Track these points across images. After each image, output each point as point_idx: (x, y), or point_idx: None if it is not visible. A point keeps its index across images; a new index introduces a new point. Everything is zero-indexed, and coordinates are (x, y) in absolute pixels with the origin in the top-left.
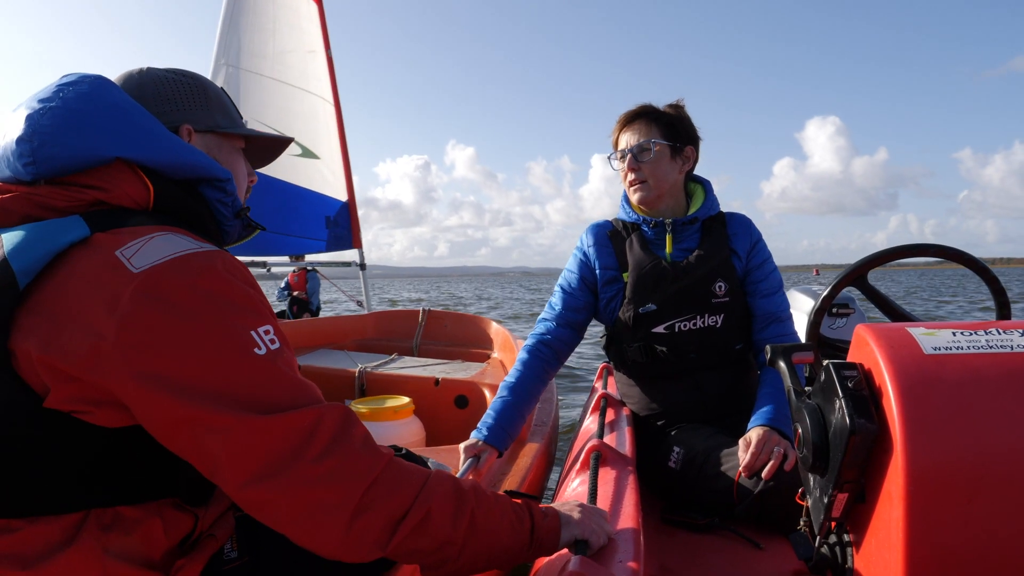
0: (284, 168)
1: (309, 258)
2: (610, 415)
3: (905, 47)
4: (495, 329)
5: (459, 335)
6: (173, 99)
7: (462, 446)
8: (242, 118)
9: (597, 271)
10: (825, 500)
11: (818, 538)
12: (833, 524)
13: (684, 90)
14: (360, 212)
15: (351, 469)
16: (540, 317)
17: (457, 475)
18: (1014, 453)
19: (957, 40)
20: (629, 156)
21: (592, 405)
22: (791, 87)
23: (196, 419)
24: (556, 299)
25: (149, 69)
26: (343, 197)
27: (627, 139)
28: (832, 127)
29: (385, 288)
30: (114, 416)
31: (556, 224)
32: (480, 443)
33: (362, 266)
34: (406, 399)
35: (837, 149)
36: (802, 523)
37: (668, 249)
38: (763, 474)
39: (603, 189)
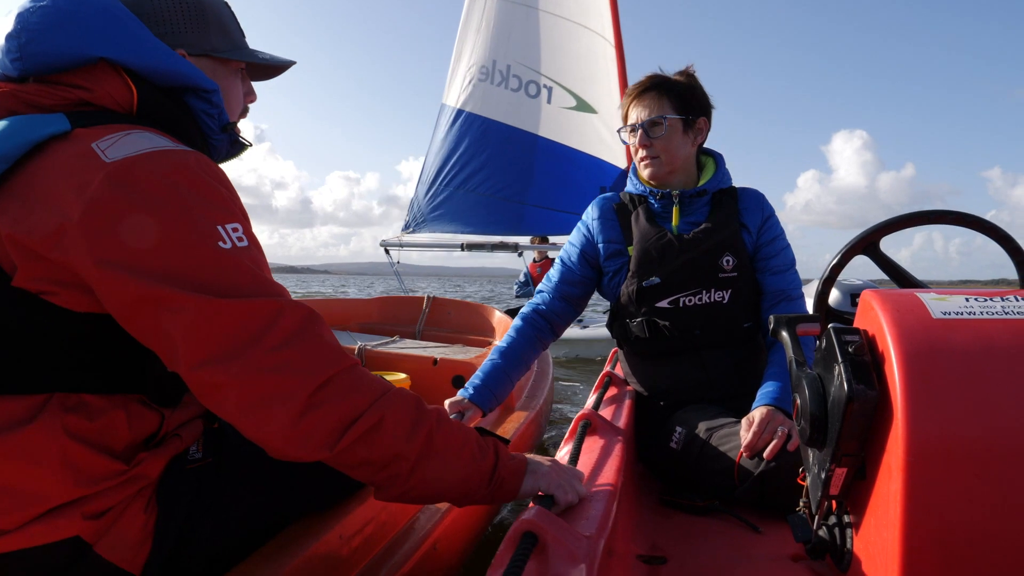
0: (551, 124)
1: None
2: (611, 392)
3: (936, 63)
4: (498, 317)
5: (462, 322)
6: (168, 20)
7: (447, 402)
8: (243, 35)
9: (600, 245)
10: (823, 476)
11: (816, 519)
12: (834, 504)
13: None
14: (381, 210)
15: (308, 363)
16: (537, 288)
17: None
18: None
19: (989, 58)
20: (640, 131)
21: (596, 384)
22: (819, 99)
23: (154, 298)
24: (554, 271)
25: None
26: (622, 163)
27: (638, 113)
28: (859, 141)
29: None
30: (80, 299)
31: None
32: (465, 401)
33: None
34: (402, 375)
35: (863, 163)
36: (801, 504)
37: (675, 222)
38: (764, 454)
39: None
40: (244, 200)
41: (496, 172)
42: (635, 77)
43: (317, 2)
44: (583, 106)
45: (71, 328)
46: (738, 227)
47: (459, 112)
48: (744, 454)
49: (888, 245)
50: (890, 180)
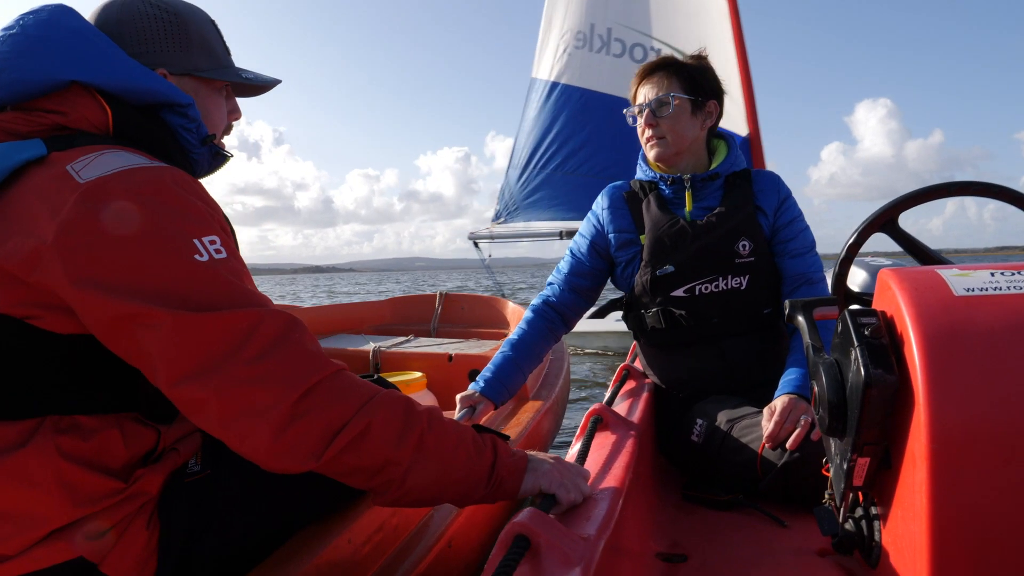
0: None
1: None
2: (629, 385)
3: (959, 26)
4: (512, 309)
5: (476, 317)
6: (150, 40)
7: (459, 396)
8: (228, 53)
9: (611, 235)
10: (845, 467)
11: (842, 512)
12: (859, 495)
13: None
14: (401, 206)
15: (289, 373)
16: (548, 280)
17: None
18: None
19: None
20: (647, 111)
21: (614, 378)
22: (838, 70)
23: (130, 316)
24: (564, 263)
25: (131, 2)
26: (743, 130)
27: (645, 92)
28: (884, 110)
29: (428, 280)
30: (65, 322)
31: None
32: (476, 394)
33: None
34: (418, 374)
35: (889, 132)
36: (827, 496)
37: (688, 207)
38: (787, 444)
39: None
40: (267, 203)
41: (600, 149)
42: (752, 32)
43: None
44: None
45: (59, 351)
46: (753, 210)
47: (553, 85)
48: (767, 445)
49: (919, 215)
50: (918, 148)
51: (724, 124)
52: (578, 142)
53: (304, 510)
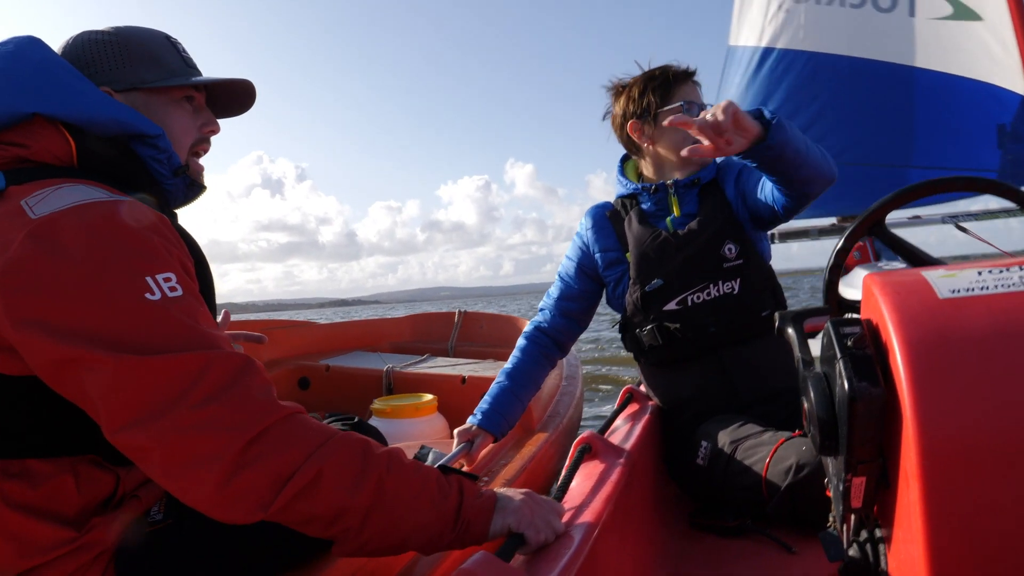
0: (917, 45)
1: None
2: (631, 408)
3: None
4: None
5: (494, 336)
6: (93, 62)
7: (456, 431)
8: (188, 65)
9: (597, 255)
10: (841, 488)
11: (846, 536)
12: (862, 517)
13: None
14: (424, 236)
15: (235, 419)
16: (540, 305)
17: (444, 459)
18: None
19: None
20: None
21: (617, 401)
22: None
23: (74, 360)
24: (554, 287)
25: (82, 33)
26: (1021, 88)
27: (689, 93)
28: None
29: (453, 309)
30: (14, 363)
31: None
32: (474, 427)
33: None
34: (429, 396)
35: None
36: (831, 519)
37: (676, 212)
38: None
39: None
40: (291, 239)
41: (838, 126)
42: None
43: (342, 30)
44: (963, 12)
45: (8, 392)
46: (730, 210)
47: (766, 52)
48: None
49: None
50: None
51: (998, 80)
52: (805, 119)
53: (274, 562)
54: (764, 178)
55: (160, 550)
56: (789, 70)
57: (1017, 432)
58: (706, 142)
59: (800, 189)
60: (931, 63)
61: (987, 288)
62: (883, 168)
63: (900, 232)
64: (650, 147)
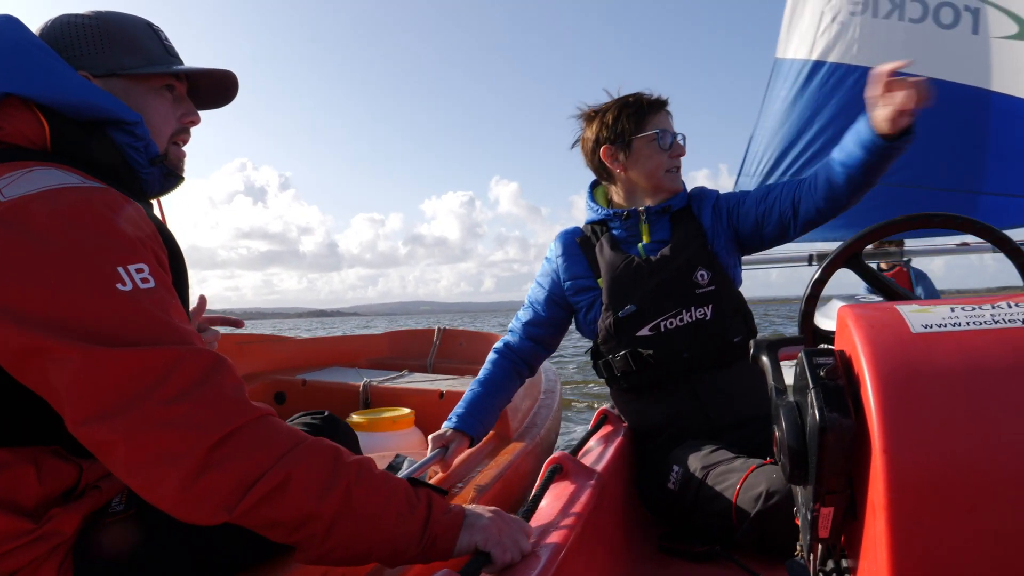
0: (981, 64)
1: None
2: (605, 430)
3: None
4: None
5: (474, 353)
6: (71, 45)
7: (431, 436)
8: (169, 53)
9: (567, 283)
10: (809, 517)
11: (813, 565)
12: (829, 547)
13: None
14: (406, 250)
15: (204, 418)
16: (509, 327)
17: (418, 464)
18: None
19: None
20: (675, 141)
21: (591, 422)
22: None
23: (39, 349)
24: (523, 311)
25: (62, 16)
26: None
27: (662, 122)
28: None
29: (432, 324)
30: None
31: None
32: (449, 432)
33: None
34: (406, 410)
35: None
36: (799, 548)
37: (646, 239)
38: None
39: None
40: (272, 247)
41: None
42: None
43: (331, 40)
44: None
45: None
46: (703, 238)
47: (816, 65)
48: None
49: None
50: None
51: None
52: None
53: (236, 557)
54: (783, 192)
55: (120, 541)
56: (840, 85)
57: (983, 468)
58: (900, 100)
59: (856, 197)
60: (994, 83)
61: (959, 324)
62: (943, 192)
63: (946, 259)
64: (622, 173)
